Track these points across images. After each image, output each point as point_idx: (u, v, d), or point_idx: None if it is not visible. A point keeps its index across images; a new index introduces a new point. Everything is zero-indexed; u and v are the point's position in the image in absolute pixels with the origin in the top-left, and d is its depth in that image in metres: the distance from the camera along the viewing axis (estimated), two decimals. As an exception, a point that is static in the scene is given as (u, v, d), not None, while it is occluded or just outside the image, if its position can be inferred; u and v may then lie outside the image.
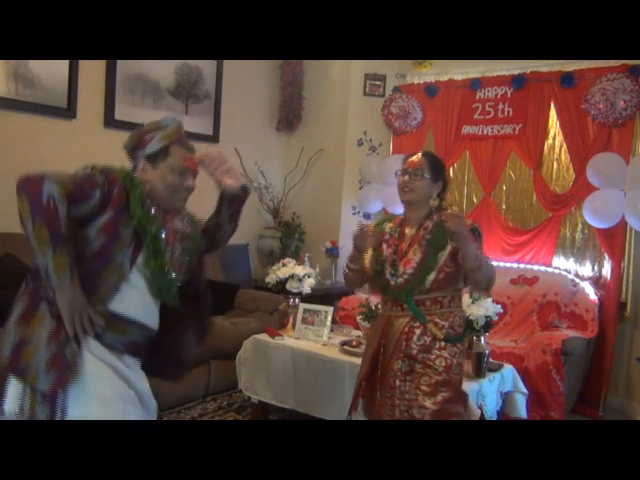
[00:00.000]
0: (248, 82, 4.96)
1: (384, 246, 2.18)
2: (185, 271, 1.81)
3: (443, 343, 2.05)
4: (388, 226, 2.24)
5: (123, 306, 1.65)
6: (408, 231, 2.18)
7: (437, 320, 2.07)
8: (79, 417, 1.50)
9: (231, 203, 1.88)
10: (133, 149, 1.74)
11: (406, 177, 2.13)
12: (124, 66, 3.97)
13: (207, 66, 4.59)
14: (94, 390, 1.55)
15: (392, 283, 2.11)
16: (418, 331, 2.06)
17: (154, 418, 1.77)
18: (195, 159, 1.78)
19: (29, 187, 1.48)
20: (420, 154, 2.20)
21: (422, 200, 2.15)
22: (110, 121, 3.93)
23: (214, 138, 4.67)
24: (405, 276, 2.09)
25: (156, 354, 1.79)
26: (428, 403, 2.00)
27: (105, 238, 1.60)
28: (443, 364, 2.03)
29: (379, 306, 2.33)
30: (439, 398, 2.01)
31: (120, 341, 1.66)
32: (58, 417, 1.50)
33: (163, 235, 1.71)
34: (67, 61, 3.66)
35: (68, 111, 3.74)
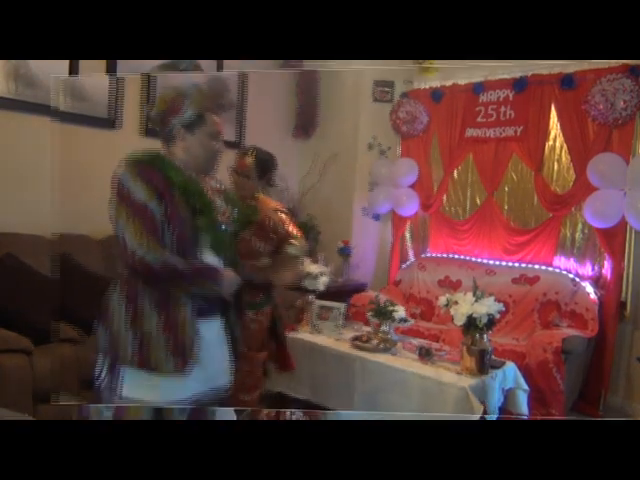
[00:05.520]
0: (267, 91, 5.13)
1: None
2: (234, 221, 1.93)
3: None
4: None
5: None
6: None
7: None
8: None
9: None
10: (163, 115, 1.83)
11: (237, 177, 2.52)
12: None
13: (232, 77, 4.68)
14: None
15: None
16: None
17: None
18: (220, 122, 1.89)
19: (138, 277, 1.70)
20: (250, 156, 2.53)
21: (250, 195, 2.58)
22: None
23: (238, 144, 4.76)
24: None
25: None
26: None
27: (176, 224, 1.70)
28: None
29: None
30: None
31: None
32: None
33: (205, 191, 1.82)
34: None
35: (68, 111, 3.74)
